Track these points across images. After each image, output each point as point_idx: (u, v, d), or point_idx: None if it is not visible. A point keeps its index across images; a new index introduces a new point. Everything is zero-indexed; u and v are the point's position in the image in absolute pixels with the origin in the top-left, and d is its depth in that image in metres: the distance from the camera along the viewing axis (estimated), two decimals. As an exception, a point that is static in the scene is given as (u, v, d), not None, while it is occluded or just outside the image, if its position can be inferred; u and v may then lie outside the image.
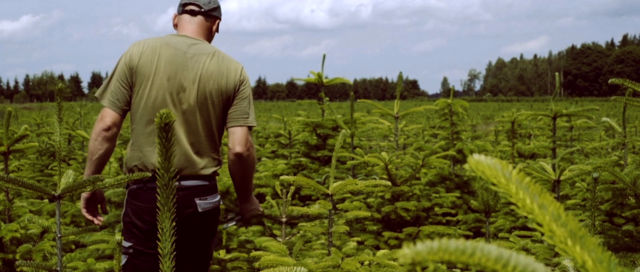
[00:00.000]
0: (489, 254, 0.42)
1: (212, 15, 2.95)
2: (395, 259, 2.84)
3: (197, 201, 2.76)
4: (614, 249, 3.09)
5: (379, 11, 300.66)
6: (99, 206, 2.95)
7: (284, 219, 2.91)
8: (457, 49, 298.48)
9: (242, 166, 2.86)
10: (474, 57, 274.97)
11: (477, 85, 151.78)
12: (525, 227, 4.68)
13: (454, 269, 3.80)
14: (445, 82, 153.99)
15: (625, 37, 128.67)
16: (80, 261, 3.70)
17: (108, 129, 2.77)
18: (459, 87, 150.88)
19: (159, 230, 0.98)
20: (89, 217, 2.90)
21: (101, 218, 2.93)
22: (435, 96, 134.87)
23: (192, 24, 2.91)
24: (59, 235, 2.36)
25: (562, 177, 3.90)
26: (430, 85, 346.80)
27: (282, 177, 2.78)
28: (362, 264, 2.80)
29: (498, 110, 32.18)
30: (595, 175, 2.64)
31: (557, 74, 5.53)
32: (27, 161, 7.23)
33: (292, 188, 3.02)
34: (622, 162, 4.70)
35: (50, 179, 6.55)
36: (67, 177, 2.42)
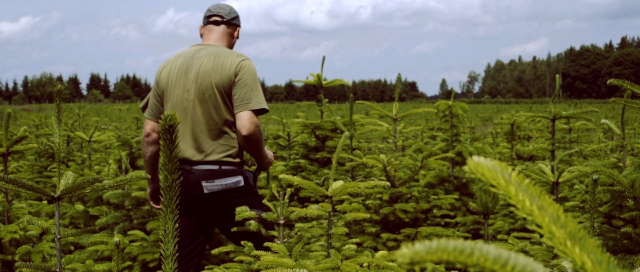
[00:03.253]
0: (487, 254, 0.42)
1: (232, 24, 3.45)
2: (394, 261, 2.84)
3: (204, 184, 3.19)
4: (613, 251, 3.09)
5: (378, 13, 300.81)
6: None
7: (282, 221, 2.91)
8: (456, 50, 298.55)
9: (250, 143, 3.24)
10: (473, 59, 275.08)
11: (476, 87, 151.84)
12: (524, 229, 4.68)
13: (452, 271, 3.81)
14: (444, 84, 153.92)
15: (624, 39, 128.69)
16: (79, 263, 3.70)
17: (148, 135, 3.40)
18: (457, 89, 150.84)
19: (163, 231, 0.98)
20: (156, 206, 3.61)
21: (157, 206, 3.60)
22: (434, 98, 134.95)
23: (215, 33, 3.42)
24: (58, 236, 2.36)
25: (560, 179, 3.90)
26: (429, 87, 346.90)
27: (281, 176, 2.78)
28: (361, 265, 2.80)
29: (497, 112, 32.19)
30: (594, 177, 2.64)
31: (557, 76, 5.53)
32: (26, 162, 7.22)
33: (289, 190, 3.03)
34: (620, 164, 4.70)
35: (49, 181, 6.55)
36: (66, 179, 2.43)
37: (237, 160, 3.30)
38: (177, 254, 3.28)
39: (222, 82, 3.20)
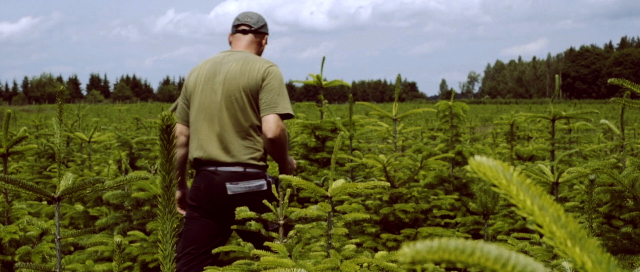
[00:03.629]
0: (488, 253, 0.42)
1: (260, 32, 3.56)
2: (393, 261, 2.84)
3: (228, 185, 3.26)
4: (613, 251, 3.09)
5: (378, 13, 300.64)
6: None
7: (281, 221, 2.91)
8: (456, 51, 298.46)
9: (275, 147, 3.32)
10: (472, 60, 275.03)
11: (476, 87, 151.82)
12: (523, 230, 4.68)
13: (452, 271, 3.80)
14: (443, 84, 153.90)
15: (623, 39, 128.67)
16: (79, 263, 3.70)
17: (175, 138, 3.17)
18: (457, 90, 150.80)
19: (161, 232, 0.98)
20: (181, 212, 3.62)
21: (183, 212, 3.63)
22: (434, 98, 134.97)
23: (243, 41, 3.52)
24: (58, 237, 2.36)
25: (560, 180, 3.90)
26: (428, 87, 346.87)
27: (281, 176, 2.78)
28: (361, 266, 2.80)
29: (496, 113, 32.20)
30: (591, 177, 2.64)
31: (557, 76, 5.53)
32: (25, 163, 7.22)
33: (289, 190, 3.03)
34: (620, 164, 4.70)
35: (49, 181, 6.54)
36: (66, 179, 2.42)
37: (262, 163, 3.36)
38: (186, 254, 3.28)
39: (250, 85, 3.29)
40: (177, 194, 3.63)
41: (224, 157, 3.28)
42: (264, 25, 3.57)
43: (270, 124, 3.26)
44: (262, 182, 3.32)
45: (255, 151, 3.32)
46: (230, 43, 3.59)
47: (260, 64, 3.34)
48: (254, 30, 3.52)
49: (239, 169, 3.28)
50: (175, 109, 3.58)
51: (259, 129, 3.35)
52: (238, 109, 3.29)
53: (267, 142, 3.29)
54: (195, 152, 3.35)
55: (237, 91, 3.29)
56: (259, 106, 3.32)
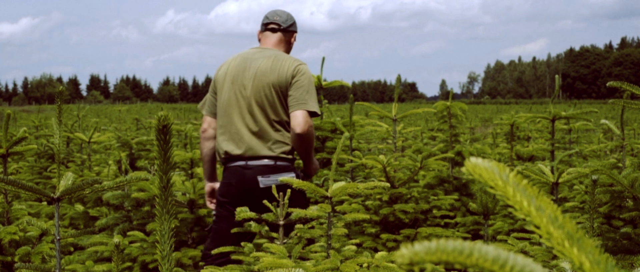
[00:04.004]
0: (486, 254, 0.42)
1: (289, 31, 3.64)
2: (393, 262, 2.84)
3: (259, 178, 3.35)
4: (612, 251, 3.09)
5: (378, 14, 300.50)
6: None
7: (281, 222, 2.91)
8: (456, 51, 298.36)
9: (302, 142, 3.40)
10: (472, 60, 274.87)
11: (476, 87, 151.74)
12: (523, 230, 4.68)
13: (451, 271, 3.80)
14: (443, 84, 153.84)
15: (623, 39, 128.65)
16: (78, 264, 3.69)
17: (204, 131, 3.58)
18: (457, 90, 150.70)
19: (159, 232, 0.98)
20: (211, 206, 3.71)
21: (212, 206, 3.71)
22: (434, 99, 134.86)
23: (273, 39, 3.60)
24: (58, 237, 2.36)
25: (560, 180, 3.90)
26: (428, 87, 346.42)
27: (281, 178, 2.78)
28: (360, 266, 2.80)
29: (496, 113, 32.19)
30: (594, 177, 2.64)
31: (557, 76, 5.53)
32: (25, 163, 7.21)
33: (289, 191, 3.03)
34: (620, 164, 4.70)
35: (49, 182, 6.54)
36: (66, 180, 2.42)
37: (291, 157, 3.47)
38: (220, 254, 3.24)
39: (279, 82, 3.39)
40: (207, 187, 3.71)
41: (254, 151, 3.38)
42: (293, 24, 3.66)
43: (299, 119, 3.36)
44: (292, 174, 3.41)
45: (284, 144, 3.42)
46: (259, 40, 3.66)
47: (290, 62, 3.44)
48: (283, 29, 3.60)
49: (270, 162, 3.38)
50: (203, 103, 3.64)
51: (287, 124, 3.44)
52: (268, 104, 3.39)
53: (295, 137, 3.38)
54: (225, 146, 3.43)
55: (267, 87, 3.39)
56: (287, 103, 3.42)
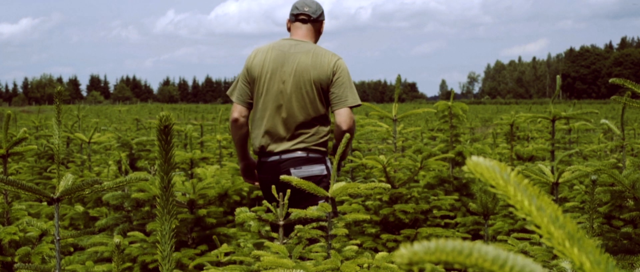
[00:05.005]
0: (486, 254, 0.42)
1: (319, 20, 3.72)
2: (394, 262, 2.84)
3: (292, 170, 3.48)
4: (613, 251, 3.09)
5: (378, 14, 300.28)
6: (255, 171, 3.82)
7: (281, 222, 2.91)
8: (456, 51, 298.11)
9: (346, 137, 3.44)
10: (473, 60, 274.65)
11: (476, 87, 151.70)
12: (523, 230, 4.68)
13: (452, 272, 3.80)
14: (443, 84, 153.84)
15: (623, 39, 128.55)
16: (78, 264, 3.69)
17: (236, 120, 3.64)
18: (457, 90, 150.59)
19: (160, 233, 0.98)
20: (249, 182, 3.86)
21: (256, 183, 3.81)
22: (434, 99, 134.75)
23: (303, 29, 3.67)
24: (58, 238, 2.36)
25: (560, 180, 3.90)
26: (428, 87, 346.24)
27: (282, 177, 2.78)
28: (361, 266, 2.80)
29: (496, 113, 32.18)
30: (593, 177, 2.64)
31: (557, 77, 5.53)
32: (25, 164, 7.21)
33: (289, 191, 3.03)
34: (620, 164, 4.70)
35: (49, 182, 6.54)
36: (65, 180, 2.42)
37: (323, 149, 3.60)
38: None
39: (320, 78, 3.52)
40: (241, 165, 3.83)
41: (289, 144, 3.51)
42: (322, 14, 3.74)
43: (345, 117, 3.53)
44: (323, 167, 3.53)
45: (318, 138, 3.57)
46: (288, 29, 3.75)
47: (329, 58, 3.56)
48: (313, 20, 3.69)
49: (303, 154, 3.52)
50: (233, 90, 3.69)
51: (323, 118, 3.60)
52: (308, 100, 3.51)
53: (341, 133, 3.52)
54: (262, 141, 3.56)
55: (308, 83, 3.50)
56: (327, 98, 3.57)
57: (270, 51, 3.58)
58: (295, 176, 3.36)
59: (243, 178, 3.91)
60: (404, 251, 0.42)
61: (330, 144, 4.49)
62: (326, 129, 3.65)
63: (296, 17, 3.70)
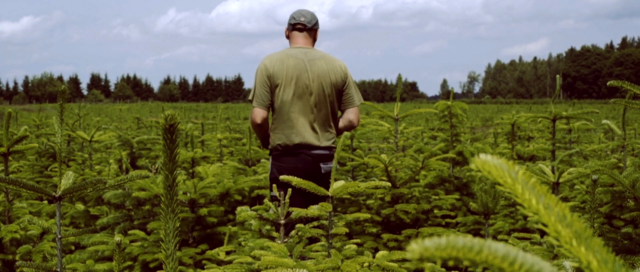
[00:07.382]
0: (496, 251, 0.42)
1: (314, 29, 4.14)
2: (394, 261, 2.84)
3: (321, 165, 4.01)
4: (613, 251, 3.09)
5: (380, 13, 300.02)
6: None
7: (282, 221, 2.91)
8: (457, 51, 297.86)
9: (353, 129, 4.24)
10: (473, 60, 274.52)
11: (477, 87, 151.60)
12: (524, 230, 4.68)
13: (452, 271, 3.80)
14: (444, 84, 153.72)
15: (624, 39, 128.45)
16: (79, 262, 3.69)
17: (260, 125, 4.01)
18: (458, 90, 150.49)
19: (163, 231, 0.98)
20: (265, 148, 4.21)
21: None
22: (435, 98, 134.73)
23: (301, 38, 4.10)
24: (59, 236, 2.36)
25: (561, 180, 3.90)
26: (429, 87, 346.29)
27: (282, 177, 2.78)
28: (361, 266, 2.80)
29: (497, 113, 32.18)
30: (594, 177, 2.64)
31: (558, 76, 5.52)
32: (26, 162, 7.21)
33: (289, 190, 3.02)
34: (621, 164, 4.70)
35: (50, 180, 6.54)
36: (67, 179, 2.42)
37: (334, 146, 4.06)
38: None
39: (337, 82, 4.03)
40: (259, 140, 4.26)
41: (317, 142, 3.98)
42: (316, 22, 4.16)
43: (355, 114, 4.13)
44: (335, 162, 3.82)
45: (334, 136, 4.10)
46: (287, 37, 4.17)
47: (339, 63, 4.08)
48: (309, 28, 4.10)
49: (326, 151, 4.02)
50: (253, 96, 4.02)
51: (336, 117, 4.12)
52: (328, 101, 4.01)
53: (353, 128, 4.17)
54: (294, 138, 3.96)
55: (329, 87, 4.00)
56: (342, 99, 4.10)
57: (288, 59, 3.97)
58: (323, 170, 3.98)
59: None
60: (416, 246, 0.42)
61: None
62: (335, 127, 4.14)
63: (294, 26, 4.11)
